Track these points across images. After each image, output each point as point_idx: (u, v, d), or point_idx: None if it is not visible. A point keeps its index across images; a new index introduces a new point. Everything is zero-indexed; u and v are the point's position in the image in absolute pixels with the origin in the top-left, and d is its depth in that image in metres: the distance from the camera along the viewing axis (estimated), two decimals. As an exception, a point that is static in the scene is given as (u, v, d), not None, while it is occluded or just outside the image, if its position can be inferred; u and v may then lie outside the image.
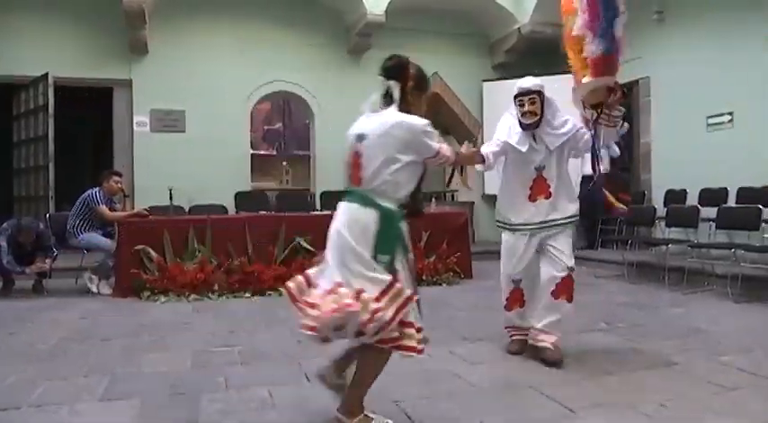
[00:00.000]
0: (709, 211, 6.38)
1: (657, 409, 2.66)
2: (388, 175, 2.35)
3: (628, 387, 3.01)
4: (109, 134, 9.23)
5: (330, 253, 2.37)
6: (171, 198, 6.63)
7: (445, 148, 2.49)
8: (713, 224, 6.19)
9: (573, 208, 3.54)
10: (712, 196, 7.14)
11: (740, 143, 7.12)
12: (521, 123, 3.51)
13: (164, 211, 6.90)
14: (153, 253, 5.92)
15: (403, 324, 2.31)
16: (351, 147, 2.46)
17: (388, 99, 2.45)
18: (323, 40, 9.65)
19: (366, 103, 2.52)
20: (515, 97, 3.53)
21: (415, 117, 2.43)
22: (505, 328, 3.78)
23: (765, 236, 5.74)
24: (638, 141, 8.86)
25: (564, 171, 3.56)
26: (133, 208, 7.10)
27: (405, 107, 2.44)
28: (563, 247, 3.48)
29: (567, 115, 3.56)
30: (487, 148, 3.60)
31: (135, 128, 8.91)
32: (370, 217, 2.32)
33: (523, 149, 3.50)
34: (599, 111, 3.36)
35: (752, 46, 7.02)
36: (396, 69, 2.49)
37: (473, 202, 10.18)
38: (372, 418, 2.43)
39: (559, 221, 3.50)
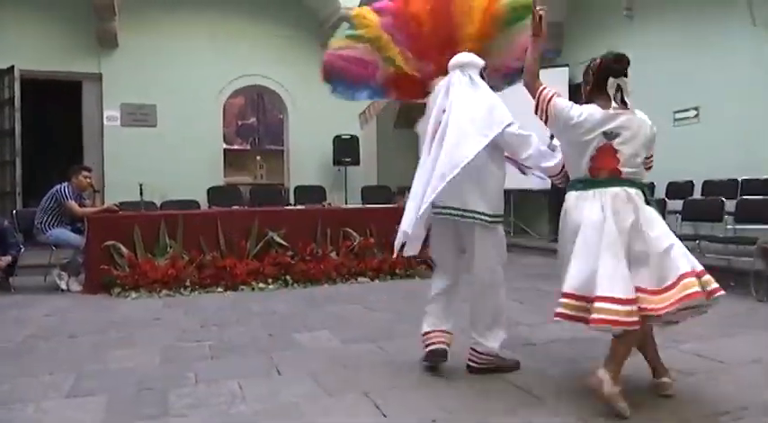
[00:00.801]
0: (676, 204, 6.52)
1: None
2: (639, 165, 2.70)
3: (591, 374, 3.07)
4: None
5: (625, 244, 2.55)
6: (141, 193, 6.58)
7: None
8: (679, 216, 6.32)
9: None
10: (679, 189, 7.30)
11: (705, 137, 7.30)
12: None
13: (134, 207, 6.82)
14: (123, 249, 5.86)
15: None
16: (599, 140, 2.64)
17: (620, 95, 2.68)
18: (296, 34, 9.61)
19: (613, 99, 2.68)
20: None
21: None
22: None
23: (728, 227, 5.89)
24: (608, 135, 9.01)
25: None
26: (103, 203, 7.01)
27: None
28: None
29: None
30: None
31: (105, 122, 8.80)
32: (638, 196, 2.63)
33: None
34: None
35: (717, 43, 7.18)
36: (626, 66, 2.73)
37: (447, 196, 10.25)
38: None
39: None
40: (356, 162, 9.52)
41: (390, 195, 9.39)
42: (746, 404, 2.59)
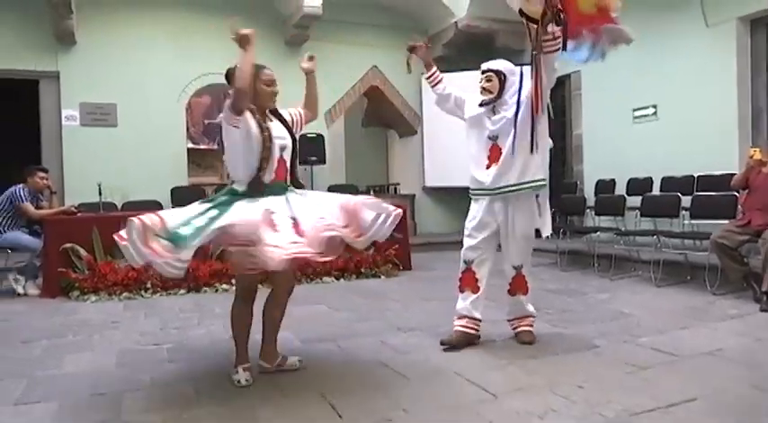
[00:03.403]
0: (636, 200, 6.63)
1: (574, 390, 2.77)
2: None
3: (549, 370, 3.12)
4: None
5: None
6: (100, 194, 6.44)
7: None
8: (638, 212, 6.43)
9: (531, 173, 3.49)
10: (638, 186, 7.43)
11: (663, 134, 7.45)
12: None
13: (93, 208, 6.68)
14: (82, 251, 5.74)
15: None
16: None
17: None
18: (260, 32, 9.39)
19: None
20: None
21: None
22: (455, 316, 3.68)
23: (685, 223, 6.02)
24: (571, 133, 9.14)
25: (527, 138, 3.48)
26: (63, 205, 6.84)
27: None
28: (517, 238, 3.57)
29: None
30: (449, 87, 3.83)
31: (64, 122, 8.56)
32: None
33: (470, 114, 3.65)
34: (539, 24, 3.26)
35: (674, 43, 7.33)
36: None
37: (414, 195, 10.28)
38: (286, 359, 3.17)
39: (522, 187, 3.49)
40: (322, 161, 9.47)
41: (357, 194, 9.36)
42: (695, 395, 2.65)
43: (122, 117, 8.75)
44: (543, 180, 3.54)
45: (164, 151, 8.91)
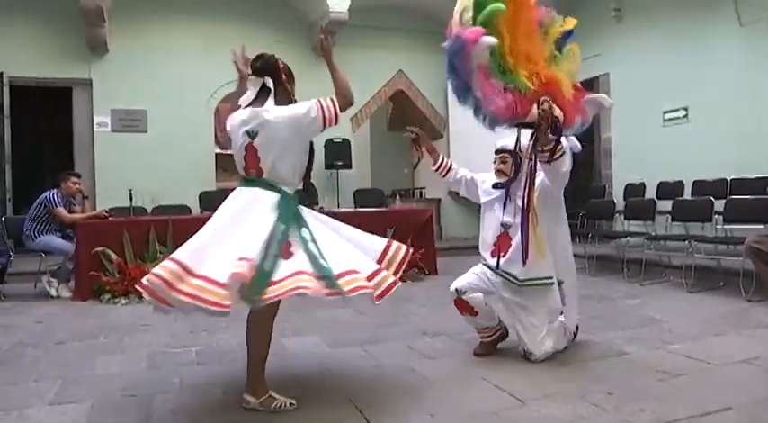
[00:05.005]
0: (666, 204, 6.52)
1: (604, 397, 2.73)
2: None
3: (578, 377, 3.08)
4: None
5: None
6: (131, 199, 6.56)
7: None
8: (669, 216, 6.32)
9: (537, 270, 3.28)
10: (669, 189, 7.31)
11: (694, 137, 7.32)
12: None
13: (124, 213, 6.80)
14: (113, 255, 5.84)
15: None
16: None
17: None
18: (286, 38, 9.59)
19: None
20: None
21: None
22: (474, 329, 3.62)
23: (718, 227, 5.89)
24: (599, 136, 9.03)
25: (538, 230, 3.25)
26: (94, 209, 6.99)
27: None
28: (528, 328, 3.35)
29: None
30: (461, 169, 3.81)
31: (96, 128, 8.77)
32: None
33: (485, 199, 3.57)
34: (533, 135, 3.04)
35: (706, 43, 7.22)
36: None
37: (440, 199, 10.26)
38: (275, 399, 2.65)
39: (526, 284, 3.32)
40: (348, 166, 9.51)
41: (383, 199, 9.38)
42: (730, 404, 2.58)
43: (152, 123, 8.92)
44: (550, 278, 3.35)
45: (192, 156, 9.05)
